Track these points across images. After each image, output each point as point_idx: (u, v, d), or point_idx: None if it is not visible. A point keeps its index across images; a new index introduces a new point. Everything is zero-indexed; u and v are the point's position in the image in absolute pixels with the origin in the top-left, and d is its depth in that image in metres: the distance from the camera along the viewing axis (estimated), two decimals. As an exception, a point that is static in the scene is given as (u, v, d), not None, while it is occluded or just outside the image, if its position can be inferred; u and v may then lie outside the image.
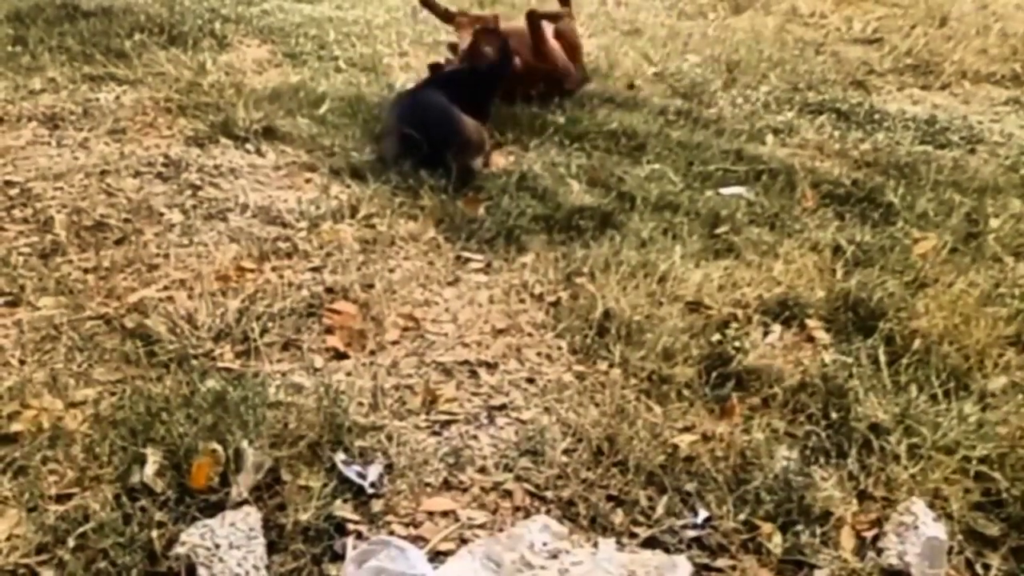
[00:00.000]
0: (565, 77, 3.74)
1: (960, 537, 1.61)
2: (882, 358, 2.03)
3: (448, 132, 2.98)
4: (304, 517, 1.55)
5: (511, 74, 3.40)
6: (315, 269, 2.38)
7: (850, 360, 2.05)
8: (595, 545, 1.52)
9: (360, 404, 1.86)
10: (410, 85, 3.55)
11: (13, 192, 2.71)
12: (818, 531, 1.59)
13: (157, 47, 4.04)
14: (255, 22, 4.66)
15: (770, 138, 3.51)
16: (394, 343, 2.10)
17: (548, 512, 1.62)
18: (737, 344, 2.06)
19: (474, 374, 2.00)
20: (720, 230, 2.65)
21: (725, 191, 2.96)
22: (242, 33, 4.45)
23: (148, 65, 3.81)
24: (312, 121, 3.36)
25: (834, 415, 1.87)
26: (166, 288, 2.24)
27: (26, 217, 2.57)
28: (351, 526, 1.56)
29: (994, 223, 2.73)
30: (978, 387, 1.98)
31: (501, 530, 1.56)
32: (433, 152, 2.91)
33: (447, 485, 1.68)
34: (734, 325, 2.16)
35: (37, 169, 2.87)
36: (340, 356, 2.04)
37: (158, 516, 1.53)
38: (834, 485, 1.68)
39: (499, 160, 3.13)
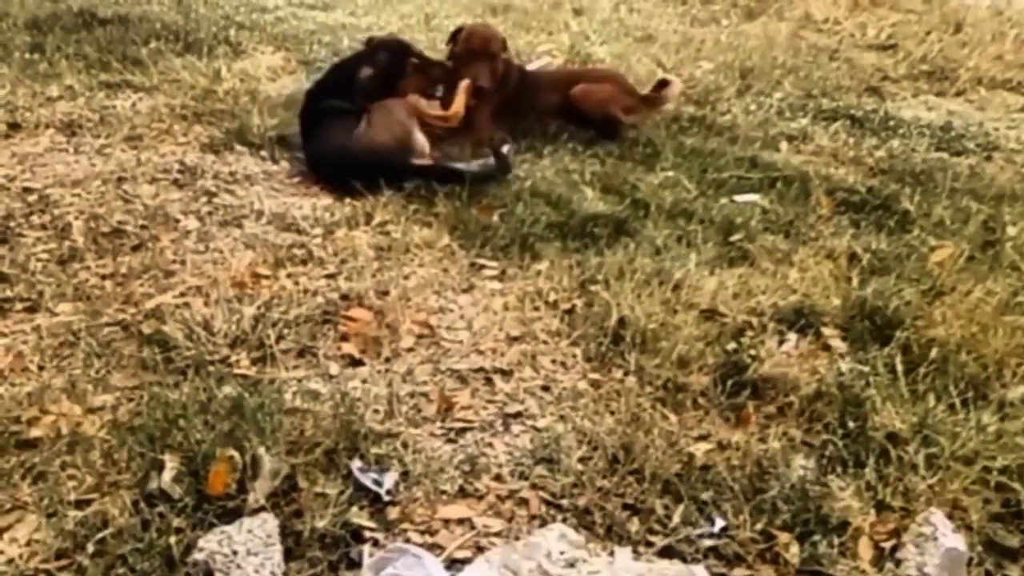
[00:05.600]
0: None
1: (980, 548, 1.59)
2: (899, 367, 2.01)
3: (353, 159, 2.91)
4: (321, 524, 1.55)
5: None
6: (330, 276, 2.39)
7: (867, 369, 2.03)
8: (611, 554, 1.52)
9: (376, 411, 1.87)
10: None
11: (31, 199, 2.74)
12: (836, 541, 1.58)
13: (173, 54, 4.08)
14: (269, 29, 4.70)
15: (784, 145, 3.51)
16: (409, 350, 2.10)
17: (564, 520, 1.61)
18: (752, 352, 2.05)
19: (489, 381, 2.00)
20: (735, 237, 2.65)
21: (739, 198, 2.96)
22: (256, 40, 4.48)
23: (164, 72, 3.84)
24: (326, 128, 3.37)
25: (851, 424, 1.86)
26: (183, 294, 2.26)
27: (44, 224, 2.60)
28: (367, 533, 1.57)
29: (1011, 231, 2.71)
30: (996, 397, 1.96)
31: (517, 538, 1.56)
32: (375, 174, 2.87)
33: (463, 493, 1.68)
34: (749, 333, 2.15)
35: (55, 176, 2.90)
36: (355, 363, 2.04)
37: (176, 522, 1.53)
38: (851, 495, 1.67)
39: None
